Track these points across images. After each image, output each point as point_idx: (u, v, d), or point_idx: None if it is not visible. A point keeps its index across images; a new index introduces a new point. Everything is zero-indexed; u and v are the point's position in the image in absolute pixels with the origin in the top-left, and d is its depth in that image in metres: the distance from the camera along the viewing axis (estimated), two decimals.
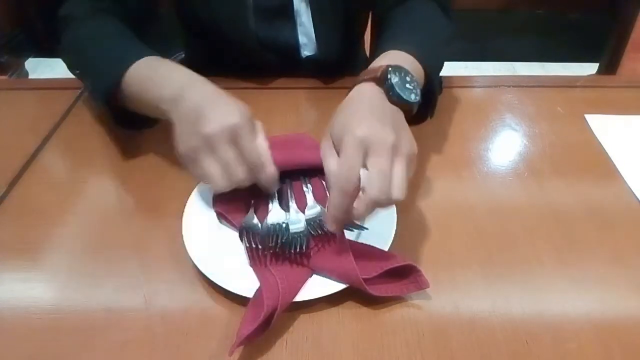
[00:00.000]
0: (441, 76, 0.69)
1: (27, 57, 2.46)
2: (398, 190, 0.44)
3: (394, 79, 0.51)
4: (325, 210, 0.47)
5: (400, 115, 0.51)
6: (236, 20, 0.78)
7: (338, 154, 0.47)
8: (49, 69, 2.43)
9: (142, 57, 0.60)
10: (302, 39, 0.82)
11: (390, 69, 0.52)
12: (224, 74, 0.82)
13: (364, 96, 0.51)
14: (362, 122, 0.46)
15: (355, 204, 0.45)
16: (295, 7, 0.79)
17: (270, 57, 0.81)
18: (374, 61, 0.57)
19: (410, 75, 0.53)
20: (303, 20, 0.80)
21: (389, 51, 0.59)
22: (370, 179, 0.43)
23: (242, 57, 0.82)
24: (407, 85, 0.52)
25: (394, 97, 0.51)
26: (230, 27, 0.79)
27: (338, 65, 0.83)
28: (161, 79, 0.57)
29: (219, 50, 0.85)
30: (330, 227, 0.47)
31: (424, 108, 0.61)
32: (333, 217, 0.46)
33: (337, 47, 0.83)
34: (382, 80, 0.51)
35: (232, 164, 0.50)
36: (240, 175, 0.51)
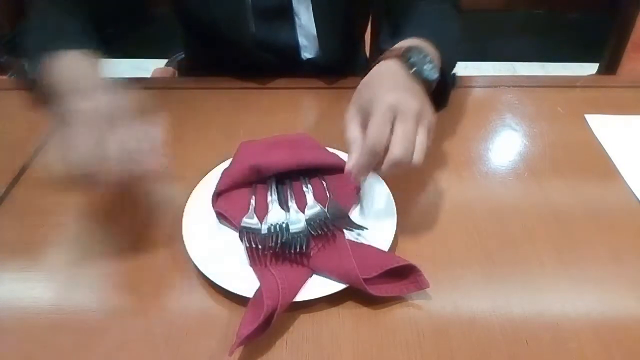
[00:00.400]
0: (457, 74, 0.69)
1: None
2: (418, 154, 0.48)
3: (416, 57, 0.55)
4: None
5: (421, 89, 0.54)
6: (235, 21, 0.78)
7: (362, 121, 0.50)
8: None
9: (72, 48, 0.57)
10: (302, 41, 0.82)
11: (412, 48, 0.55)
12: (224, 74, 0.82)
13: (389, 70, 0.55)
14: (391, 91, 0.50)
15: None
16: (294, 8, 0.78)
17: (269, 58, 0.81)
18: (397, 44, 0.59)
19: (429, 56, 0.56)
20: (303, 21, 0.80)
21: (409, 38, 0.60)
22: (396, 141, 0.47)
23: (241, 58, 0.82)
24: (427, 64, 0.55)
25: (415, 73, 0.54)
26: (229, 28, 0.79)
27: (339, 67, 0.83)
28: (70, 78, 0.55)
29: (218, 50, 0.85)
30: (357, 182, 0.53)
31: (437, 99, 0.62)
32: (358, 174, 0.49)
33: (339, 48, 0.83)
34: (405, 58, 0.55)
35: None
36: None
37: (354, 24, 0.89)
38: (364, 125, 0.50)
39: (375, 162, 0.49)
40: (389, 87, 0.51)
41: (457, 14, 0.75)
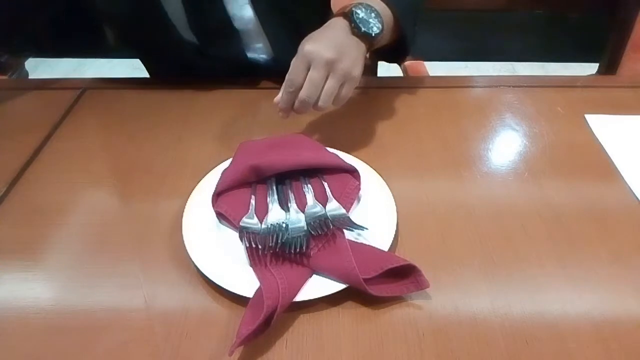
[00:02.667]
0: (416, 20, 0.72)
1: (27, 57, 2.46)
2: (323, 99, 0.57)
3: (359, 14, 0.60)
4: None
5: (357, 45, 0.60)
6: (183, 45, 0.77)
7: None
8: (49, 69, 2.43)
9: None
10: (253, 47, 0.81)
11: (357, 4, 0.61)
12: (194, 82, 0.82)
13: (330, 25, 0.61)
14: (312, 40, 0.57)
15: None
16: (236, 22, 0.76)
17: (224, 67, 0.80)
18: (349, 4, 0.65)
19: (375, 12, 0.61)
20: (250, 27, 0.78)
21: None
22: (304, 84, 0.56)
23: (200, 70, 0.82)
24: (371, 20, 0.61)
25: (356, 29, 0.60)
26: (179, 50, 0.78)
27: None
28: None
29: (177, 64, 0.85)
30: (281, 114, 0.60)
31: (400, 49, 0.70)
32: (281, 108, 0.59)
33: (294, 49, 0.83)
34: (348, 14, 0.60)
35: None
36: None
37: (300, 24, 0.87)
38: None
39: (291, 99, 0.58)
40: (315, 37, 0.58)
41: None
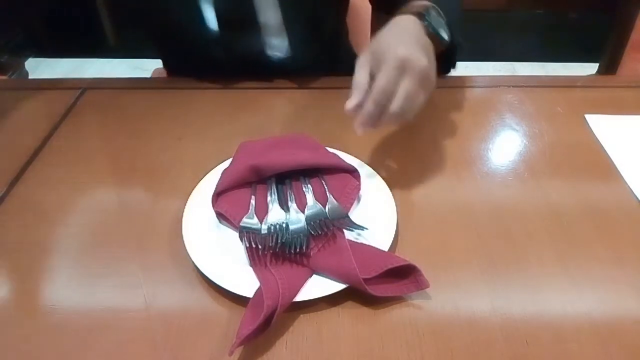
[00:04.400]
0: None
1: (27, 57, 2.46)
2: (413, 112, 0.51)
3: (433, 16, 0.59)
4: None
5: (432, 48, 0.55)
6: (201, 30, 0.77)
7: (372, 68, 0.52)
8: (49, 69, 2.43)
9: None
10: (274, 42, 0.81)
11: (429, 7, 0.59)
12: (199, 76, 0.82)
13: (406, 24, 0.57)
14: (405, 44, 0.52)
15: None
16: (260, 17, 0.76)
17: (237, 61, 0.80)
18: (408, 4, 0.63)
19: (443, 16, 0.60)
20: (272, 22, 0.78)
21: (414, 2, 0.63)
22: (399, 97, 0.50)
23: (212, 61, 0.81)
24: (441, 25, 0.59)
25: (431, 30, 0.58)
26: (196, 36, 0.78)
27: (315, 66, 0.82)
28: None
29: (186, 55, 0.85)
30: (358, 130, 0.52)
31: (447, 61, 0.67)
32: (364, 121, 0.51)
33: (310, 48, 0.83)
34: (422, 15, 0.58)
35: None
36: None
37: (323, 21, 0.87)
38: (374, 71, 0.52)
39: (379, 113, 0.50)
40: (404, 40, 0.53)
41: None
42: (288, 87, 0.81)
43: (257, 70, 0.81)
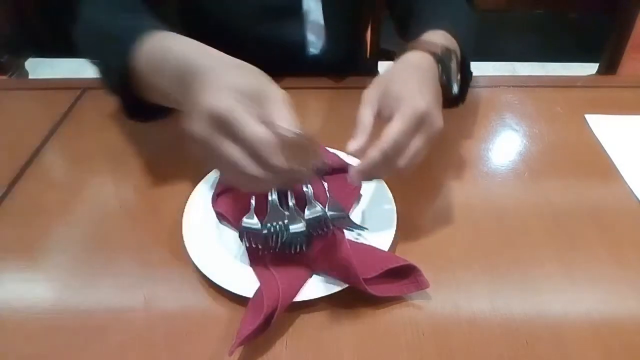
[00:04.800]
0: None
1: (27, 57, 2.46)
2: (412, 169, 0.48)
3: (448, 62, 0.54)
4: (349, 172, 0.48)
5: (441, 98, 0.53)
6: (243, 14, 0.77)
7: (380, 107, 0.49)
8: (49, 69, 2.43)
9: (152, 31, 0.51)
10: (310, 37, 0.82)
11: (446, 50, 0.55)
12: None
13: (422, 65, 0.53)
14: (423, 96, 0.48)
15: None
16: (304, 4, 0.77)
17: (274, 53, 0.81)
18: (426, 34, 0.59)
19: (457, 65, 0.56)
20: (312, 17, 0.79)
21: (437, 30, 0.60)
22: (408, 155, 0.47)
23: (244, 55, 0.82)
24: (454, 74, 0.56)
25: (445, 80, 0.54)
26: (236, 24, 0.78)
27: (343, 64, 0.83)
28: (174, 58, 0.48)
29: (218, 44, 0.84)
30: (355, 180, 0.48)
31: (456, 95, 0.62)
32: (364, 171, 0.47)
33: (345, 43, 0.83)
34: (441, 60, 0.54)
35: (235, 158, 0.40)
36: (255, 172, 0.41)
37: (361, 18, 0.88)
38: (383, 113, 0.49)
39: (384, 165, 0.46)
40: (422, 90, 0.49)
41: (469, 8, 0.75)
42: (288, 87, 0.81)
43: (288, 68, 0.81)
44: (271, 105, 0.42)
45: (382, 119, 0.49)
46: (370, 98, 0.50)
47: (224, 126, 0.40)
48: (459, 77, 0.57)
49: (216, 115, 0.40)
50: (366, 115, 0.49)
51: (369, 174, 0.48)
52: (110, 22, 0.59)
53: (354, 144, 0.47)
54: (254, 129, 0.39)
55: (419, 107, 0.46)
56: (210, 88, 0.41)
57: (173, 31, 0.52)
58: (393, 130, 0.46)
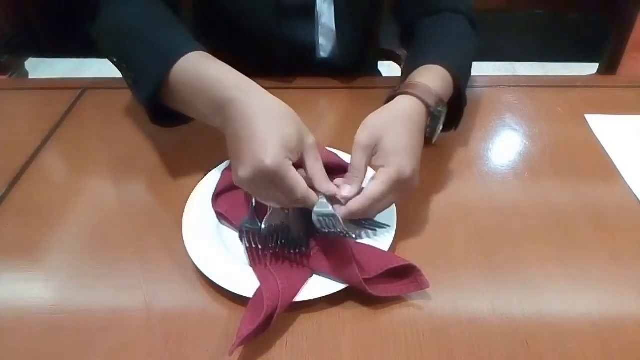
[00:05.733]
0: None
1: (27, 57, 2.46)
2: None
3: (442, 116, 0.58)
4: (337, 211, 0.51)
5: (421, 148, 0.55)
6: (258, 17, 0.77)
7: (372, 154, 0.52)
8: (49, 69, 2.43)
9: (191, 50, 0.54)
10: (320, 40, 0.82)
11: (441, 103, 0.57)
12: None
13: (414, 119, 0.55)
14: (413, 160, 0.51)
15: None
16: (317, 7, 0.78)
17: (285, 55, 0.81)
18: (417, 72, 0.61)
19: (444, 116, 0.60)
20: (324, 20, 0.79)
21: (428, 65, 0.62)
22: (380, 207, 0.51)
23: (255, 55, 0.81)
24: (439, 125, 0.60)
25: (431, 130, 0.58)
26: (250, 23, 0.78)
27: (352, 68, 0.83)
28: (210, 86, 0.51)
29: (233, 46, 0.84)
30: (342, 216, 0.50)
31: (451, 119, 0.65)
32: (349, 214, 0.50)
33: (356, 48, 0.83)
34: (431, 112, 0.57)
35: (278, 200, 0.48)
36: (293, 204, 0.49)
37: (371, 23, 0.89)
38: (372, 157, 0.52)
39: (361, 214, 0.50)
40: (409, 150, 0.51)
41: (472, 31, 0.75)
42: (289, 87, 0.81)
43: (296, 69, 0.82)
44: (308, 155, 0.49)
45: (372, 165, 0.53)
46: (364, 145, 0.52)
47: (269, 178, 0.46)
48: (440, 128, 0.61)
49: (269, 171, 0.45)
50: (361, 162, 0.51)
51: (355, 215, 0.51)
52: (151, 28, 0.60)
53: (350, 191, 0.51)
54: (303, 190, 0.47)
55: (404, 172, 0.50)
56: (259, 141, 0.46)
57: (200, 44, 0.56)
58: (373, 191, 0.49)
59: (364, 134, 0.52)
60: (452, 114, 0.63)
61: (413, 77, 0.60)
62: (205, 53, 0.55)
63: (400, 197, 0.53)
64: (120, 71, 0.61)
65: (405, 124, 0.53)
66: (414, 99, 0.56)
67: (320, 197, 0.53)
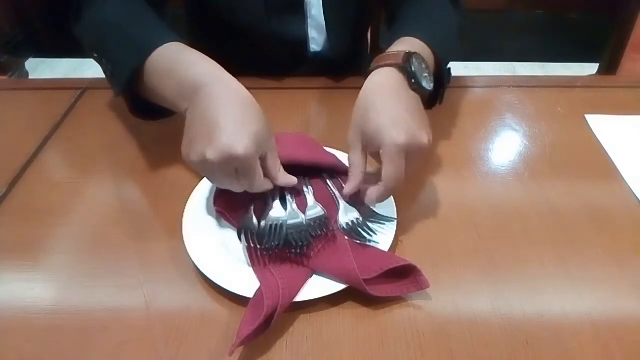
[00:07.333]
0: (451, 71, 0.69)
1: (27, 57, 2.46)
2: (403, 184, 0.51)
3: (415, 66, 0.54)
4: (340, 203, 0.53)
5: (419, 102, 0.54)
6: (248, 12, 0.77)
7: (365, 145, 0.52)
8: (49, 69, 2.43)
9: (166, 42, 0.55)
10: (311, 33, 0.82)
11: (411, 55, 0.54)
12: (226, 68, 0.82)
13: (389, 84, 0.53)
14: (397, 125, 0.49)
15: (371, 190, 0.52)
16: (306, 0, 0.78)
17: (277, 50, 0.81)
18: (390, 47, 0.59)
19: (425, 62, 0.56)
20: (313, 13, 0.80)
21: (403, 37, 0.61)
22: (406, 177, 0.50)
23: (248, 51, 0.81)
24: (424, 73, 0.55)
25: (414, 84, 0.54)
26: (241, 19, 0.78)
27: (344, 61, 0.83)
28: (182, 71, 0.52)
29: (223, 41, 0.84)
30: (370, 203, 0.52)
31: (433, 95, 0.63)
32: (373, 201, 0.52)
33: (347, 40, 0.83)
34: (403, 67, 0.54)
35: (232, 186, 0.51)
36: (243, 190, 0.52)
37: (362, 15, 0.89)
38: (369, 149, 0.52)
39: (389, 195, 0.52)
40: (394, 115, 0.50)
41: (455, 8, 0.74)
42: (288, 87, 0.81)
43: (290, 64, 0.82)
44: (271, 155, 0.52)
45: (370, 153, 0.53)
46: (353, 141, 0.53)
47: (235, 165, 0.47)
48: (430, 74, 0.56)
49: (239, 160, 0.46)
50: (356, 159, 0.53)
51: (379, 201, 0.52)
52: (129, 22, 0.61)
53: (350, 188, 0.53)
54: (261, 182, 0.50)
55: (398, 141, 0.48)
56: (235, 129, 0.47)
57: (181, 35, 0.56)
58: (387, 169, 0.49)
59: (349, 132, 0.53)
60: (435, 89, 0.60)
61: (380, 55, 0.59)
62: (182, 44, 0.56)
63: (417, 162, 0.51)
64: (101, 66, 0.62)
65: (383, 94, 0.52)
66: (382, 68, 0.55)
67: (309, 203, 0.55)
